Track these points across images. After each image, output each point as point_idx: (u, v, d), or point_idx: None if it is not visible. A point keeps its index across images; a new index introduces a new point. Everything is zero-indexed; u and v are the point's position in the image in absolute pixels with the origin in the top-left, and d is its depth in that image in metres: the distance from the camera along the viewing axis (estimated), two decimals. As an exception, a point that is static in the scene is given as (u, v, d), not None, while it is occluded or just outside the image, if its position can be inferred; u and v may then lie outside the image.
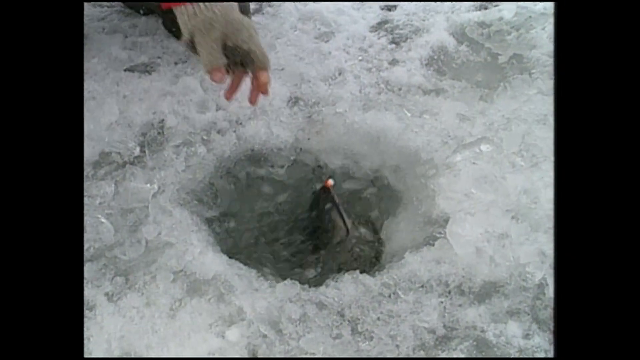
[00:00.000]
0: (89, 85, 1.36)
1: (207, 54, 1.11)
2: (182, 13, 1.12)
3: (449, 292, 1.01)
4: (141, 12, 1.58)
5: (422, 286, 1.02)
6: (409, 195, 1.21)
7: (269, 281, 1.05)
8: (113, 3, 1.53)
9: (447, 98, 1.37)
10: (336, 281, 1.04)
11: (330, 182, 1.22)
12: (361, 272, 1.06)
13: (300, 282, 1.05)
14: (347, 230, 1.20)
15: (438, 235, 1.10)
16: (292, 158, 1.32)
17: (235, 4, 1.14)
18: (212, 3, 1.11)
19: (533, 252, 1.03)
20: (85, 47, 1.43)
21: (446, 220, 1.11)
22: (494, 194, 1.13)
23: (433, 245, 1.08)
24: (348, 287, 1.02)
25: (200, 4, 1.11)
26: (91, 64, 1.41)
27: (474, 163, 1.19)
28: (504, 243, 1.06)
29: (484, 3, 1.64)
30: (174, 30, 1.48)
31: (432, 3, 1.65)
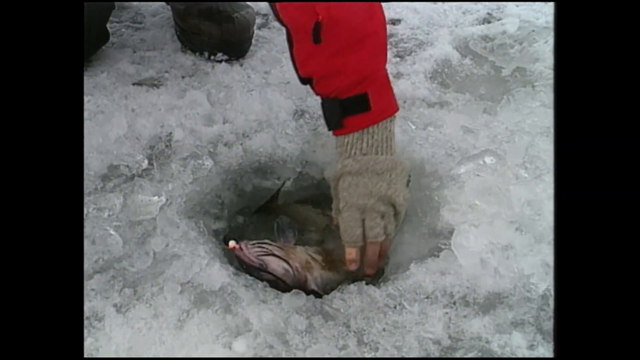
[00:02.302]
0: (97, 100, 1.37)
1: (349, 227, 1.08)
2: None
3: (454, 303, 1.01)
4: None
5: (427, 297, 1.03)
6: (414, 207, 1.21)
7: (275, 292, 1.05)
8: (122, 18, 1.55)
9: (451, 111, 1.38)
10: (342, 292, 1.05)
11: (232, 244, 1.11)
12: (366, 283, 1.07)
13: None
14: (283, 282, 1.10)
15: (443, 247, 1.11)
16: (298, 170, 1.33)
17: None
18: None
19: (537, 264, 1.03)
20: (94, 62, 1.44)
21: (451, 232, 1.11)
22: (498, 205, 1.14)
23: (438, 256, 1.09)
24: (353, 298, 1.03)
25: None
26: (100, 78, 1.42)
27: (477, 175, 1.20)
28: (508, 254, 1.07)
29: (487, 17, 1.65)
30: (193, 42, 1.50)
31: (436, 17, 1.66)
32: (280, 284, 1.09)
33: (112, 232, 1.13)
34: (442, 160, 1.25)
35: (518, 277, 1.03)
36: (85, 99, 1.36)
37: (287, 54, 1.12)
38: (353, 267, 1.11)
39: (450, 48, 1.56)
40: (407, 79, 1.47)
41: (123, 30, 1.58)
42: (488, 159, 1.22)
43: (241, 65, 1.52)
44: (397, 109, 1.11)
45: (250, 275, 1.09)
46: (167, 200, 1.19)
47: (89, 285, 1.06)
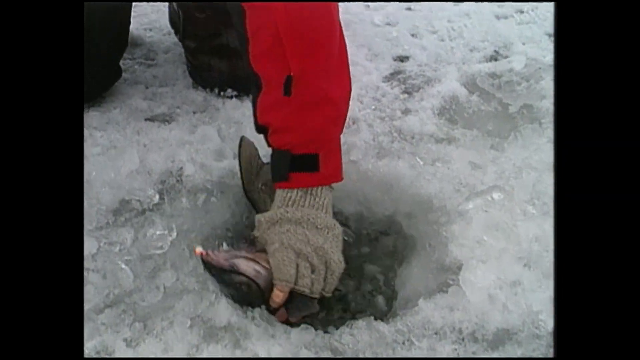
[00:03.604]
0: (110, 135, 1.40)
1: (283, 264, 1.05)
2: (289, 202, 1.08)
3: (463, 339, 1.01)
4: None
5: (436, 333, 1.03)
6: (422, 242, 1.22)
7: (284, 327, 1.06)
8: (134, 55, 1.58)
9: (459, 146, 1.40)
10: (350, 327, 1.05)
11: (198, 250, 1.08)
12: (375, 319, 1.07)
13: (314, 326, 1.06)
14: (256, 283, 1.07)
15: (451, 282, 1.11)
16: None
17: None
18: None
19: (546, 300, 1.03)
20: (107, 98, 1.48)
21: (459, 267, 1.12)
22: (506, 241, 1.15)
23: (446, 292, 1.09)
24: (362, 333, 1.03)
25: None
26: (113, 114, 1.45)
27: (485, 211, 1.21)
28: (517, 290, 1.07)
29: (494, 55, 1.68)
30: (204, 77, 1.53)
31: (444, 54, 1.70)
32: (252, 286, 1.06)
33: (123, 266, 1.14)
34: (450, 195, 1.27)
35: (527, 313, 1.03)
36: (98, 134, 1.39)
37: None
38: (275, 305, 1.08)
39: (458, 85, 1.58)
40: (415, 115, 1.49)
41: (136, 67, 1.61)
42: (496, 195, 1.23)
43: (251, 101, 1.55)
44: (341, 179, 1.14)
45: (220, 282, 1.09)
46: (177, 234, 1.20)
47: (99, 319, 1.06)
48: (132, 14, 1.65)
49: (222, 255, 1.07)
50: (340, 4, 1.80)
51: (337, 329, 1.09)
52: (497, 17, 1.87)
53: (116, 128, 1.42)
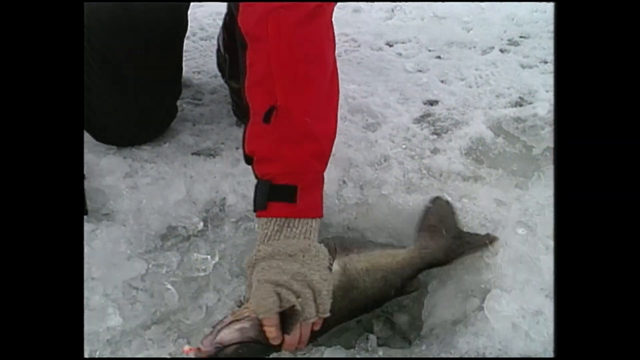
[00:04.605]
0: (159, 167, 1.48)
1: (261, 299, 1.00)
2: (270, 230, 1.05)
3: (487, 363, 1.05)
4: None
5: (460, 358, 1.07)
6: (449, 272, 1.26)
7: (316, 347, 1.11)
8: (183, 95, 1.67)
9: (484, 185, 1.44)
10: (378, 354, 1.10)
11: (186, 348, 1.01)
12: (402, 343, 1.12)
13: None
14: (247, 342, 1.01)
15: (476, 310, 1.15)
16: (340, 235, 1.38)
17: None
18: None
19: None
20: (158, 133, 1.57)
21: (484, 296, 1.15)
22: (529, 273, 1.19)
23: (471, 319, 1.13)
24: (390, 353, 1.08)
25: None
26: (162, 148, 1.53)
27: (510, 245, 1.25)
28: (539, 319, 1.10)
29: (519, 101, 1.73)
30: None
31: (471, 99, 1.75)
32: (248, 346, 1.01)
33: (169, 286, 1.22)
34: (476, 230, 1.30)
35: (548, 342, 1.06)
36: (149, 166, 1.47)
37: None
38: (276, 342, 1.02)
39: (484, 128, 1.62)
40: (444, 155, 1.53)
41: (184, 105, 1.69)
42: (519, 230, 1.28)
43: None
44: (321, 216, 1.11)
45: None
46: (219, 258, 1.28)
47: (146, 335, 1.14)
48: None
49: (206, 342, 1.00)
50: (374, 52, 1.91)
51: (367, 351, 1.12)
52: (522, 67, 1.91)
53: (165, 161, 1.50)
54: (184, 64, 1.55)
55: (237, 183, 1.43)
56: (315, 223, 1.08)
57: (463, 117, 1.69)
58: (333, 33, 1.14)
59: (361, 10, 2.01)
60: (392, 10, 2.13)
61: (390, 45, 1.99)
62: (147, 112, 1.49)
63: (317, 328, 1.05)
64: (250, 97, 1.11)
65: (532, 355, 1.06)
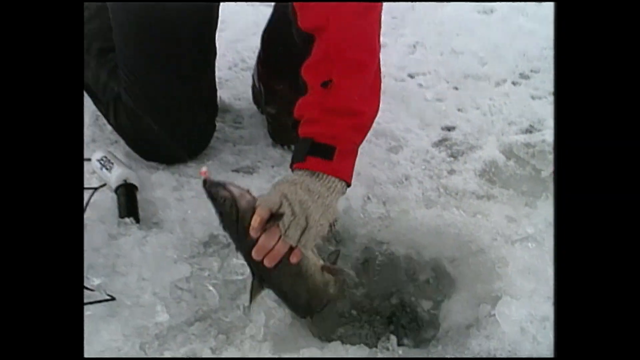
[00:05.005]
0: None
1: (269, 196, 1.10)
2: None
3: (497, 364, 1.13)
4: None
5: (473, 358, 1.16)
6: (463, 281, 1.36)
7: (342, 346, 1.21)
8: (225, 119, 1.78)
9: (497, 203, 1.53)
10: (398, 353, 1.19)
11: (204, 169, 1.11)
12: (419, 344, 1.23)
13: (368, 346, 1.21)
14: (233, 197, 1.09)
15: (488, 315, 1.24)
16: (364, 248, 1.49)
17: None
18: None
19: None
20: (202, 153, 1.67)
21: (495, 303, 1.25)
22: (537, 282, 1.28)
23: (483, 323, 1.22)
24: (408, 354, 1.18)
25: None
26: (206, 166, 1.54)
27: (519, 257, 1.35)
28: (545, 325, 1.20)
29: (529, 128, 1.82)
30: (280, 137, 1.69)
31: (485, 126, 1.82)
32: (233, 204, 1.08)
33: (210, 288, 1.31)
34: (489, 243, 1.40)
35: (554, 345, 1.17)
36: (194, 181, 1.57)
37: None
38: (254, 233, 1.08)
39: (497, 152, 1.71)
40: (459, 175, 1.62)
41: (226, 128, 1.79)
42: (529, 244, 1.38)
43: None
44: (349, 183, 1.18)
45: (209, 197, 1.10)
46: (256, 264, 1.38)
47: (190, 330, 1.23)
48: (224, 86, 1.85)
49: (218, 180, 1.10)
50: (397, 83, 2.01)
51: (388, 350, 1.22)
52: (533, 98, 1.98)
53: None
54: (226, 91, 1.64)
55: (272, 197, 1.54)
56: (341, 186, 1.16)
57: (478, 142, 1.77)
58: (380, 28, 1.24)
59: (386, 45, 2.09)
60: (414, 46, 2.20)
61: (412, 77, 2.07)
62: (183, 132, 1.61)
63: (292, 260, 1.11)
64: (308, 76, 1.20)
65: (538, 357, 1.16)
